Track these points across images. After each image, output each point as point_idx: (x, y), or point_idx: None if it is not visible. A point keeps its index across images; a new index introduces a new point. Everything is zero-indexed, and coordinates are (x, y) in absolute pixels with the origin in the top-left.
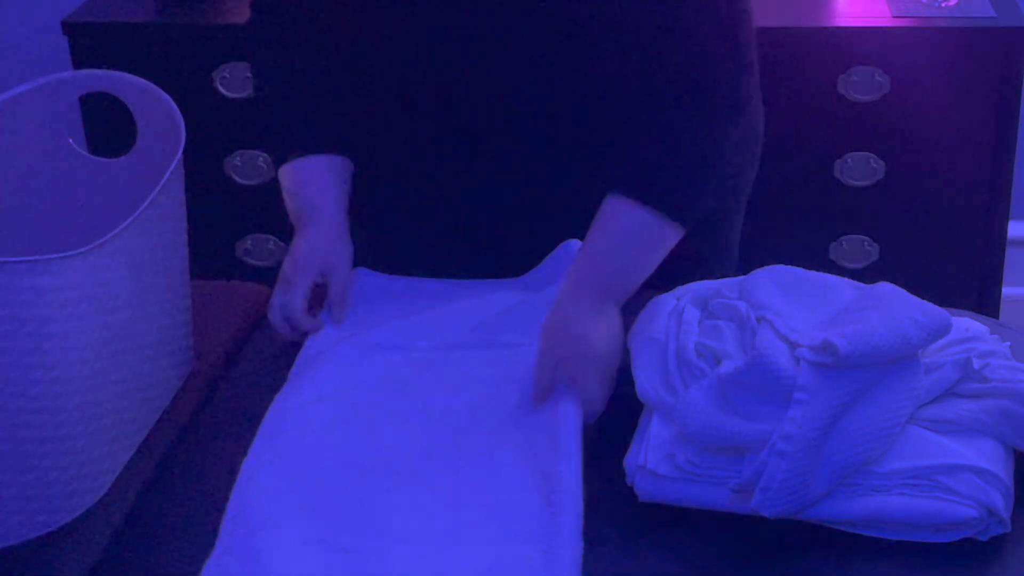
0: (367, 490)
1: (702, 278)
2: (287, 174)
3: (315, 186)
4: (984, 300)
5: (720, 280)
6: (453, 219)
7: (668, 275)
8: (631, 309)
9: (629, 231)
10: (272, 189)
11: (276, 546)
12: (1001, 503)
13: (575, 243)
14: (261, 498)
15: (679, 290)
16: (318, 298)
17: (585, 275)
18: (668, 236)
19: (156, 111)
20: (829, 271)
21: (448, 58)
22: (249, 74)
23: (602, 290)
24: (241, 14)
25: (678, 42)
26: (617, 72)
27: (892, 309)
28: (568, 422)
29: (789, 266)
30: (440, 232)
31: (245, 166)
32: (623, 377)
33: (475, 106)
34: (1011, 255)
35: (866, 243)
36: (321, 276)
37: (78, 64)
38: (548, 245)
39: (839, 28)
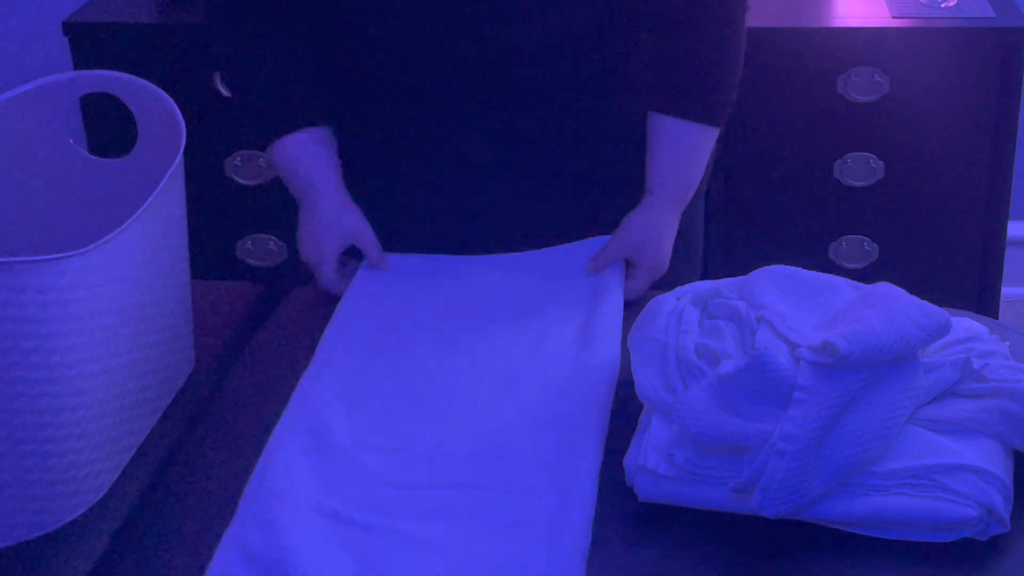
0: (383, 468)
1: (672, 269)
2: (276, 153)
3: (307, 161)
4: (984, 300)
5: (720, 280)
6: (461, 188)
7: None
8: (631, 310)
9: (684, 144)
10: (272, 189)
11: (291, 517)
12: (1000, 503)
13: (597, 241)
14: (280, 470)
15: (679, 290)
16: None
17: (664, 190)
18: (712, 139)
19: (156, 111)
20: (829, 271)
21: (464, 18)
22: (217, 59)
23: (675, 201)
24: None
25: None
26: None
27: (892, 309)
28: (591, 417)
29: (789, 266)
30: (447, 203)
31: (245, 166)
32: (623, 377)
33: (489, 66)
34: (1010, 255)
35: (866, 243)
36: (345, 244)
37: (79, 65)
38: (557, 211)
39: (839, 29)
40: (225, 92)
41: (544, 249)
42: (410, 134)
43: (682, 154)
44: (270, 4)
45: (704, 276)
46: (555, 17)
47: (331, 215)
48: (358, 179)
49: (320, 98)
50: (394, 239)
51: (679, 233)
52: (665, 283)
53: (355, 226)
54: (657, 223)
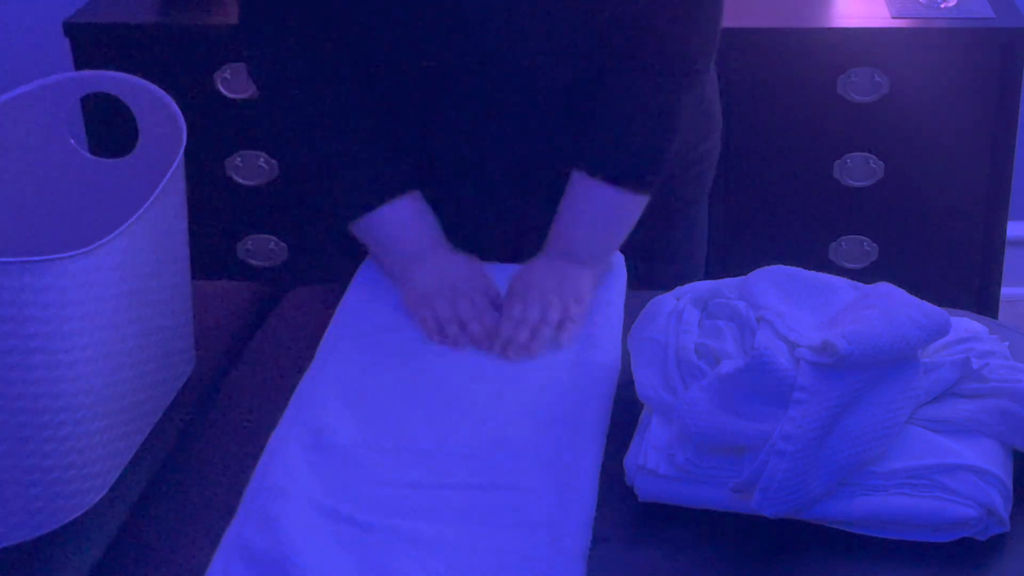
0: (384, 467)
1: (667, 275)
2: (373, 221)
3: (410, 222)
4: (983, 300)
5: (720, 280)
6: (467, 198)
7: (633, 273)
8: (631, 309)
9: (596, 207)
10: (273, 190)
11: (292, 517)
12: (1000, 503)
13: None
14: (281, 469)
15: (679, 290)
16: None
17: (556, 249)
18: (635, 203)
19: (157, 112)
20: (829, 271)
21: (463, 40)
22: (279, 139)
23: (574, 259)
24: None
25: (642, 11)
26: (600, 43)
27: (891, 309)
28: (591, 417)
29: (789, 266)
30: (452, 211)
31: (246, 166)
32: (623, 377)
33: (494, 83)
34: (1010, 255)
35: (865, 243)
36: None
37: (80, 65)
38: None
39: (838, 29)
40: (227, 93)
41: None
42: (417, 144)
43: (587, 214)
44: (303, 46)
45: (704, 276)
46: (558, 40)
47: (464, 262)
48: None
49: (408, 160)
50: None
51: (684, 233)
52: (668, 284)
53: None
54: (541, 272)
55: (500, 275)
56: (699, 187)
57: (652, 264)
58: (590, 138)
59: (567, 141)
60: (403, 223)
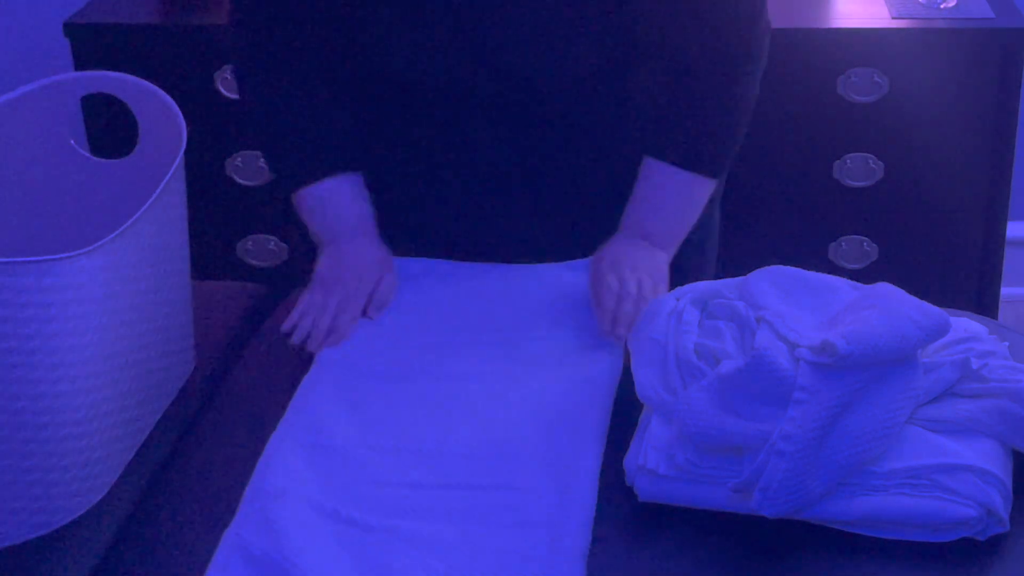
0: (384, 468)
1: (681, 275)
2: (306, 197)
3: (340, 204)
4: (983, 300)
5: (720, 280)
6: (476, 203)
7: None
8: None
9: (671, 192)
10: (273, 190)
11: (292, 517)
12: (1000, 503)
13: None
14: (280, 470)
15: (679, 290)
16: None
17: (633, 231)
18: (705, 190)
19: (157, 112)
20: (828, 271)
21: (468, 46)
22: (238, 96)
23: (650, 241)
24: None
25: (706, 11)
26: (652, 43)
27: (891, 309)
28: (591, 417)
29: (788, 266)
30: (461, 216)
31: (246, 167)
32: (623, 377)
33: (506, 92)
34: (1010, 255)
35: (865, 243)
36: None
37: (80, 65)
38: (568, 227)
39: (838, 29)
40: (228, 93)
41: (549, 263)
42: (428, 151)
43: (663, 200)
44: (291, 39)
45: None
46: (571, 50)
47: (370, 247)
48: (373, 189)
49: (353, 142)
50: (406, 248)
51: (699, 234)
52: (676, 284)
53: (389, 265)
54: (624, 248)
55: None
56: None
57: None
58: (660, 124)
59: (570, 144)
60: (332, 201)
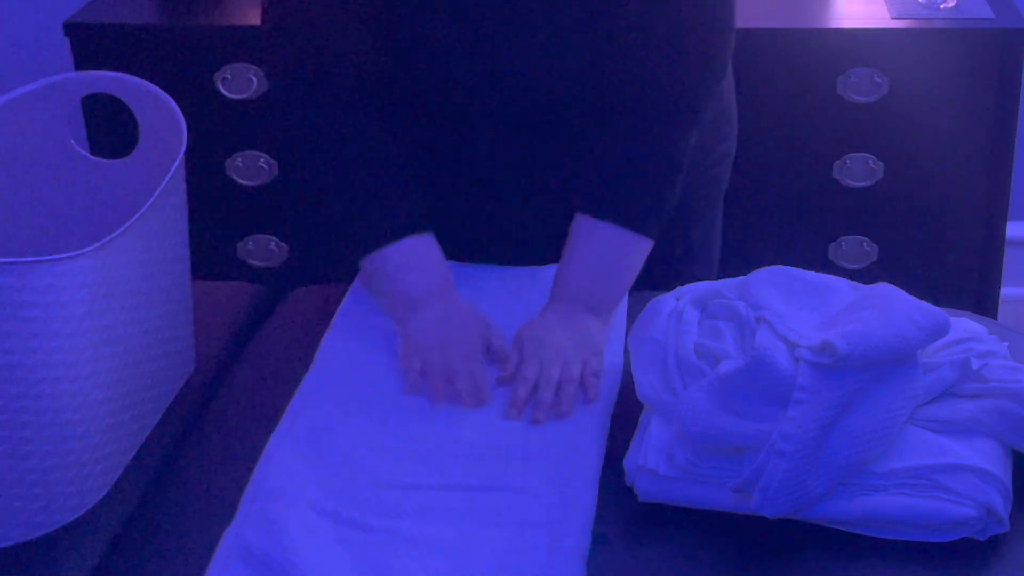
0: (384, 468)
1: (684, 277)
2: (389, 256)
3: (429, 261)
4: (983, 300)
5: (720, 281)
6: (481, 208)
7: (650, 275)
8: (631, 310)
9: (601, 249)
10: (273, 190)
11: (292, 517)
12: (1000, 503)
13: None
14: (280, 471)
15: (679, 291)
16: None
17: (564, 295)
18: (639, 247)
19: (158, 112)
20: (828, 271)
21: (482, 65)
22: (303, 162)
23: (582, 306)
24: (242, 15)
25: (664, 61)
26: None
27: (891, 309)
28: (591, 417)
29: (788, 267)
30: (466, 220)
31: (246, 167)
32: (623, 378)
33: (512, 100)
34: (1010, 255)
35: (865, 243)
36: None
37: (80, 65)
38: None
39: (838, 30)
40: (228, 93)
41: (549, 265)
42: (437, 156)
43: (592, 257)
44: (336, 70)
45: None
46: (578, 61)
47: (463, 307)
48: None
49: (428, 198)
50: None
51: (702, 234)
52: (679, 286)
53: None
54: (552, 324)
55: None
56: (717, 188)
57: (670, 265)
58: (593, 178)
59: (574, 149)
60: (413, 263)
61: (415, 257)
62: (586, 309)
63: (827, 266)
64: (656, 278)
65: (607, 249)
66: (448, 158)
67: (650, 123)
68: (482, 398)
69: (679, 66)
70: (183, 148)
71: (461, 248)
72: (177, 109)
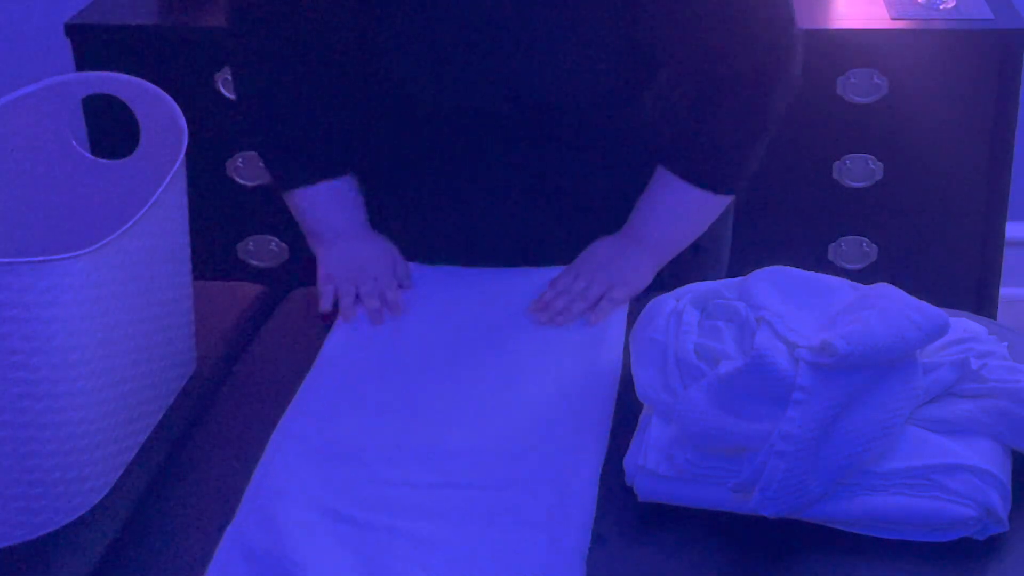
0: (384, 466)
1: (694, 278)
2: (301, 198)
3: (342, 204)
4: (982, 301)
5: (720, 281)
6: (483, 212)
7: (659, 277)
8: (631, 310)
9: (680, 205)
10: (274, 190)
11: (293, 516)
12: (999, 503)
13: None
14: (282, 470)
15: (679, 291)
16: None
17: (629, 233)
18: (716, 205)
19: (158, 113)
20: (828, 272)
21: (503, 58)
22: (235, 95)
23: (642, 246)
24: None
25: (740, 29)
26: (674, 58)
27: (890, 310)
28: (592, 417)
29: (788, 267)
30: (469, 225)
31: (247, 167)
32: (623, 377)
33: (517, 107)
34: (1009, 256)
35: (865, 244)
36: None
37: (81, 66)
38: (575, 234)
39: (838, 30)
40: (228, 94)
41: (550, 267)
42: (439, 162)
43: (669, 211)
44: (291, 40)
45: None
46: (586, 68)
47: (378, 243)
48: (382, 197)
49: (350, 147)
50: (412, 253)
51: (716, 233)
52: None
53: (400, 261)
54: (605, 248)
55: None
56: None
57: (681, 266)
58: (676, 136)
59: (582, 156)
60: (331, 204)
61: (338, 197)
62: (644, 248)
63: (827, 266)
64: (667, 279)
65: (682, 203)
66: (457, 164)
67: (724, 89)
68: (386, 303)
69: (759, 31)
70: (184, 148)
71: (467, 253)
72: (178, 109)
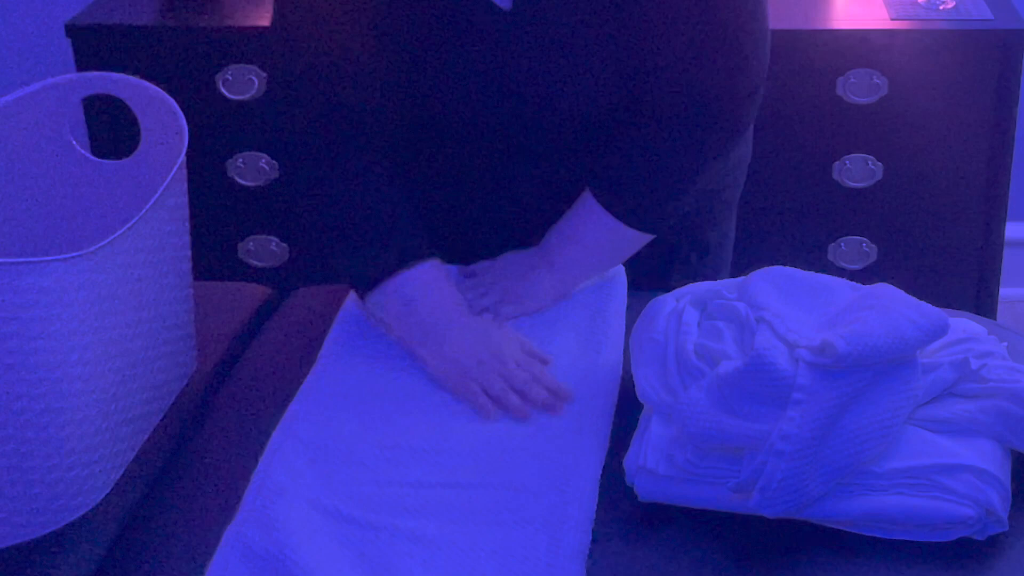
0: (385, 466)
1: (697, 279)
2: (407, 285)
3: (443, 286)
4: (982, 301)
5: (719, 281)
6: (474, 213)
7: (665, 277)
8: (632, 310)
9: (598, 234)
10: (274, 190)
11: (293, 515)
12: (998, 502)
13: None
14: (283, 469)
15: (679, 291)
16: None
17: (544, 256)
18: (634, 242)
19: (159, 113)
20: (828, 272)
21: (506, 90)
22: (312, 190)
23: (555, 272)
24: (244, 17)
25: (695, 65)
26: (639, 86)
27: (890, 310)
28: (592, 417)
29: (788, 267)
30: (473, 231)
31: (247, 167)
32: (623, 377)
33: (531, 130)
34: (1008, 256)
35: (864, 244)
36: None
37: (81, 66)
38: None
39: (838, 31)
40: (228, 94)
41: None
42: (450, 176)
43: (585, 237)
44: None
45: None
46: (594, 86)
47: (502, 328)
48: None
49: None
50: None
51: (720, 234)
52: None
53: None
54: (513, 263)
55: None
56: (734, 192)
57: (686, 267)
58: (609, 166)
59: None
60: (428, 286)
61: (433, 278)
62: (549, 269)
63: (827, 267)
64: (671, 280)
65: (599, 232)
66: (463, 170)
67: (675, 131)
68: (560, 394)
69: (711, 74)
70: (184, 149)
71: (469, 251)
72: (178, 110)
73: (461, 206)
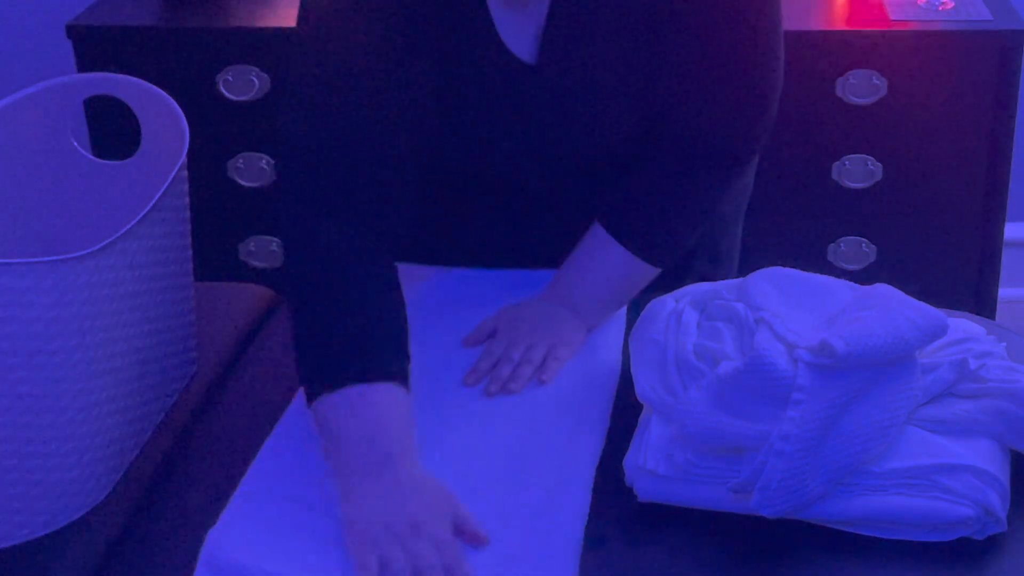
0: None
1: (707, 281)
2: (360, 401)
3: (394, 424)
4: (981, 301)
5: (719, 282)
6: (485, 229)
7: (673, 281)
8: (631, 310)
9: (607, 265)
10: (274, 191)
11: (287, 514)
12: (998, 503)
13: None
14: (276, 470)
15: (678, 292)
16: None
17: (555, 295)
18: (646, 272)
19: (160, 114)
20: (827, 273)
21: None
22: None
23: (570, 309)
24: (244, 18)
25: (719, 110)
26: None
27: (889, 310)
28: (591, 417)
29: (787, 268)
30: (476, 239)
31: (248, 168)
32: (623, 377)
33: (546, 162)
34: (1008, 256)
35: (864, 245)
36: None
37: (82, 67)
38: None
39: (837, 32)
40: (229, 95)
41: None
42: (469, 206)
43: (597, 270)
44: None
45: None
46: (612, 126)
47: (436, 490)
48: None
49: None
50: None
51: (726, 245)
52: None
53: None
54: (535, 310)
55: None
56: (744, 197)
57: (696, 271)
58: (622, 200)
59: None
60: (385, 412)
61: (390, 407)
62: (572, 311)
63: (826, 267)
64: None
65: (613, 267)
66: (474, 201)
67: (692, 168)
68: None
69: (733, 118)
70: (185, 149)
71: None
72: (179, 111)
73: (470, 228)
